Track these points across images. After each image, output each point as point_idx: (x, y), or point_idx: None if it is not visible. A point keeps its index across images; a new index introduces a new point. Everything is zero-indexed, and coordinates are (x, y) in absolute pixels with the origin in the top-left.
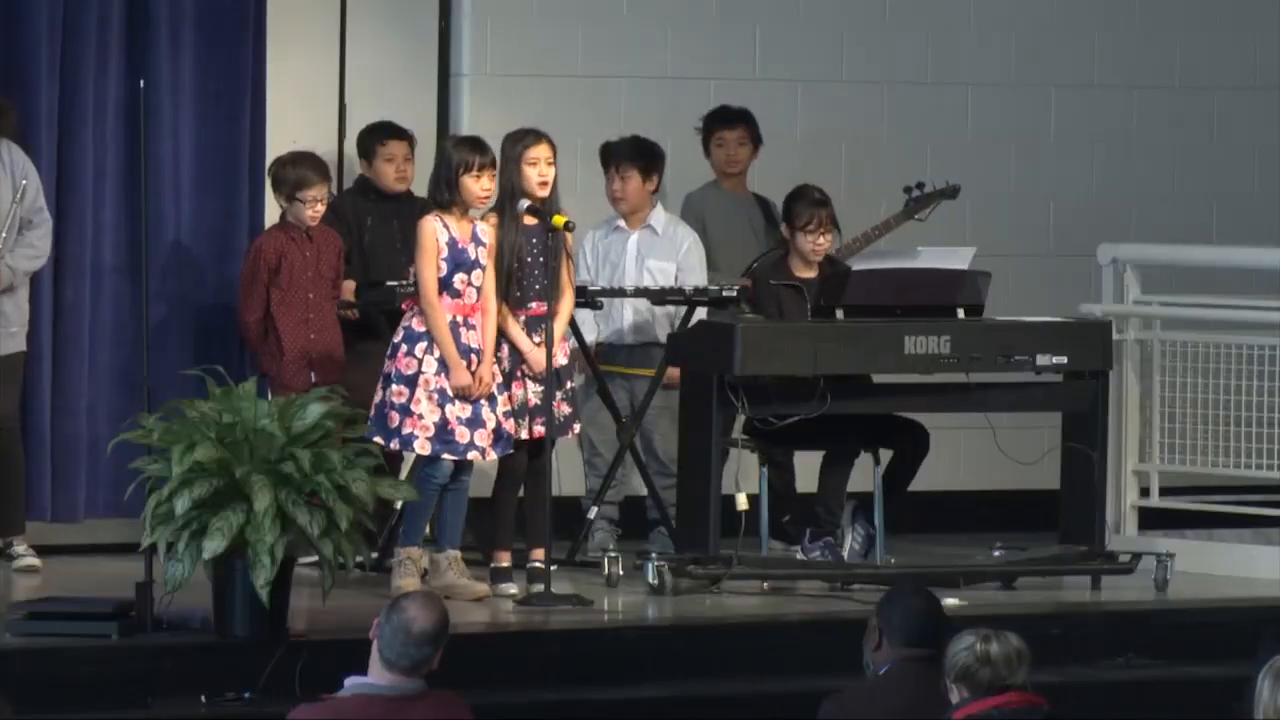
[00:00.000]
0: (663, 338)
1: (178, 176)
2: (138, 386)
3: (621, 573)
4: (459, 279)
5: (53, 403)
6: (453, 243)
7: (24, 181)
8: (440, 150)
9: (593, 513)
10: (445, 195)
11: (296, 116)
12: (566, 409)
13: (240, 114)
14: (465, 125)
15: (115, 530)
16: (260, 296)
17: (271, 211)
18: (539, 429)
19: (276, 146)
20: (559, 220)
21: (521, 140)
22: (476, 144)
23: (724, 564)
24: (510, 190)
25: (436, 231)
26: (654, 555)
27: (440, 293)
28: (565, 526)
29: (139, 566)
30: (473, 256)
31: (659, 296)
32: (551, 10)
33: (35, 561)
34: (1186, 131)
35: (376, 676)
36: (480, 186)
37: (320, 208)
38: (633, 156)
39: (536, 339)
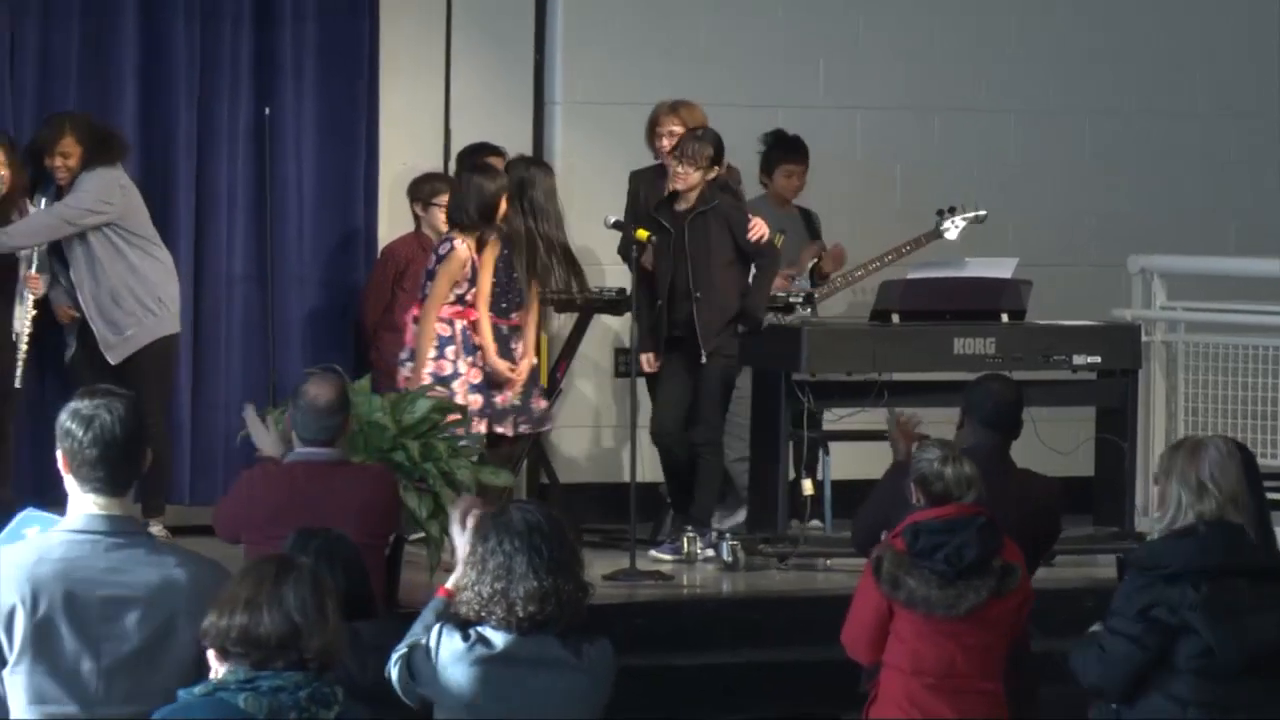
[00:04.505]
0: None
1: (300, 195)
2: (266, 382)
3: (699, 551)
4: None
5: (193, 397)
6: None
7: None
8: (471, 180)
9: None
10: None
11: (405, 140)
12: (542, 404)
13: (356, 138)
14: (558, 149)
15: None
16: (383, 296)
17: (385, 226)
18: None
19: (387, 167)
20: (642, 234)
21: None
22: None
23: (791, 543)
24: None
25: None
26: (728, 535)
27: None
28: (647, 510)
29: None
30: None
31: None
32: (636, 43)
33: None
34: (1208, 153)
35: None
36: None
37: None
38: None
39: (514, 346)
